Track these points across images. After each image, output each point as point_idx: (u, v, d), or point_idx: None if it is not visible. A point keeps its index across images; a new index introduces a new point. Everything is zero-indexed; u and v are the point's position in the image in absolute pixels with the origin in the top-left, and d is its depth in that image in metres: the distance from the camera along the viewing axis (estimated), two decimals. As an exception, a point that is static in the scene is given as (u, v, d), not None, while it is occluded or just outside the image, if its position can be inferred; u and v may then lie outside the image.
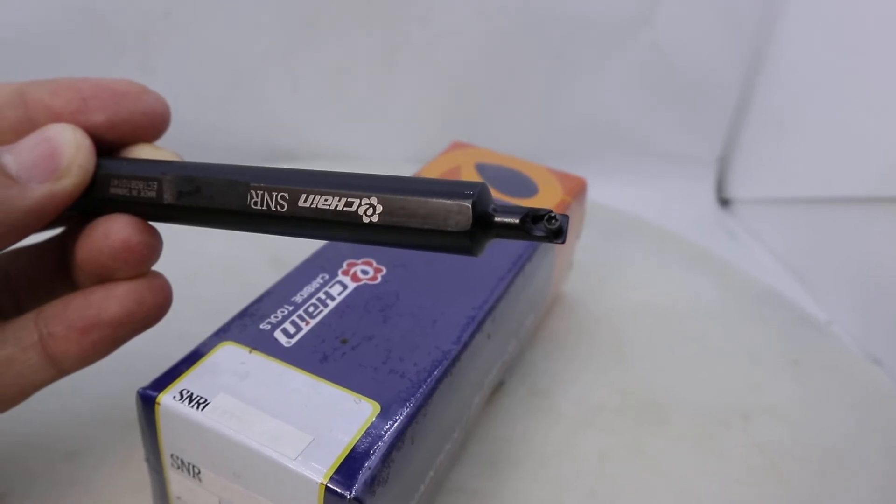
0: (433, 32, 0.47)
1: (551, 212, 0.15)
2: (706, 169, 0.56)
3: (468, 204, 0.15)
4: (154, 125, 0.19)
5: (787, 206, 0.49)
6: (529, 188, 0.30)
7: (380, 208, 0.15)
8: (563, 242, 0.15)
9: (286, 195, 0.16)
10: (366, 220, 0.15)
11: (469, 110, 0.51)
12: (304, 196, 0.16)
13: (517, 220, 0.15)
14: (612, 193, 0.46)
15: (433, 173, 0.30)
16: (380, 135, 0.51)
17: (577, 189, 0.31)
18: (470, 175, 0.31)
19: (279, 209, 0.16)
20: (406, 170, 0.32)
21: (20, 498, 0.23)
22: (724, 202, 0.56)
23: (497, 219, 0.15)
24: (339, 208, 0.16)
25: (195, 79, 0.45)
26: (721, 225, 0.53)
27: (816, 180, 0.46)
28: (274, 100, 0.48)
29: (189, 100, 0.45)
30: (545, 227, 0.15)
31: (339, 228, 0.16)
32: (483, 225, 0.15)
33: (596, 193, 0.37)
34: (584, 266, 0.37)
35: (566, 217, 0.15)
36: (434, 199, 0.15)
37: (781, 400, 0.31)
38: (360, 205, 0.15)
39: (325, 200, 0.16)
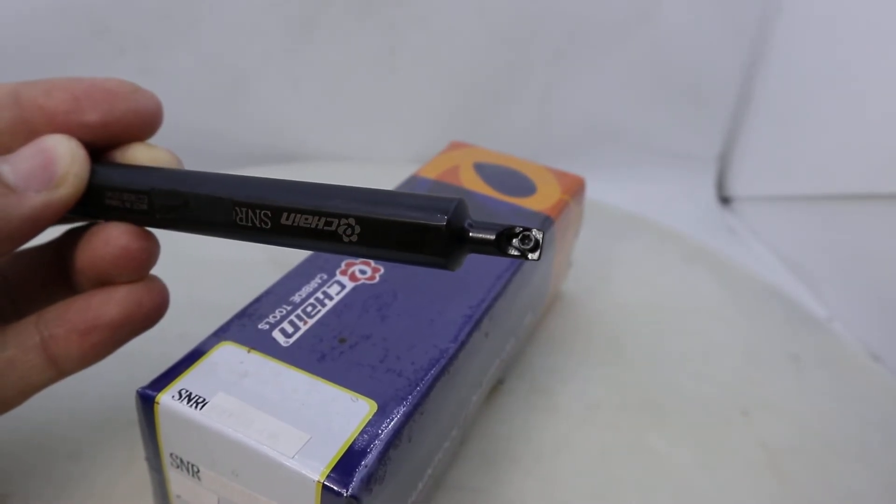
0: (432, 33, 0.48)
1: (526, 229, 0.15)
2: (706, 166, 0.56)
3: (442, 224, 0.15)
4: (146, 123, 0.19)
5: (788, 204, 0.49)
6: (527, 187, 0.30)
7: (358, 229, 0.16)
8: (538, 259, 0.15)
9: (268, 213, 0.16)
10: (346, 239, 0.16)
11: (468, 110, 0.51)
12: (285, 215, 0.16)
13: (492, 237, 0.15)
14: (612, 191, 0.46)
15: (431, 173, 0.30)
16: (379, 135, 0.51)
17: (575, 188, 0.31)
18: (468, 174, 0.31)
19: (263, 226, 0.17)
20: (406, 170, 0.32)
21: (23, 498, 0.23)
22: (724, 200, 0.56)
23: (472, 234, 0.15)
24: (320, 227, 0.16)
25: (195, 81, 0.46)
26: (721, 222, 0.53)
27: (816, 177, 0.46)
28: (274, 101, 0.48)
29: (189, 102, 0.45)
30: (519, 246, 0.15)
31: (323, 244, 0.16)
32: (458, 241, 0.15)
33: (596, 192, 0.37)
34: (583, 265, 0.37)
35: (542, 233, 0.15)
36: (410, 220, 0.15)
37: (782, 396, 0.31)
38: (338, 225, 0.16)
39: (306, 220, 0.16)
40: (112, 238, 0.18)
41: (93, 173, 0.18)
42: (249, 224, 0.17)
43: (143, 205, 0.18)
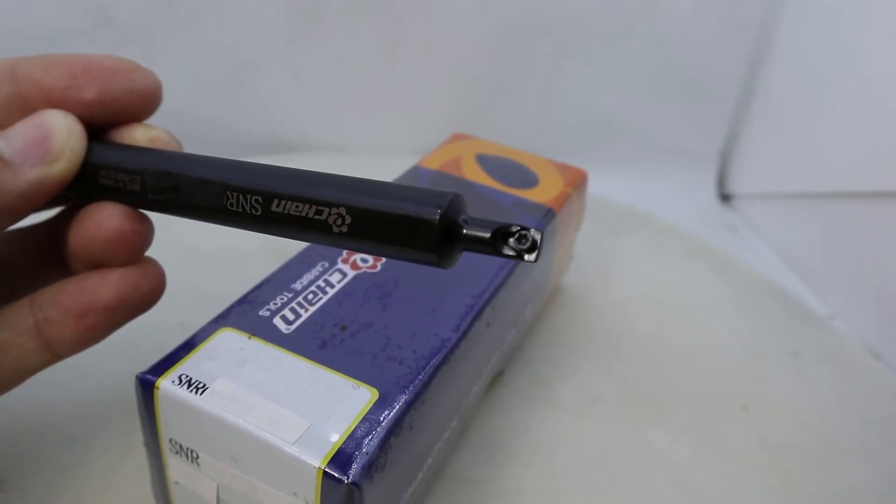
0: (435, 25, 0.47)
1: (523, 228, 0.14)
2: (707, 163, 0.56)
3: (435, 218, 0.14)
4: (145, 103, 0.19)
5: (788, 201, 0.49)
6: (529, 179, 0.30)
7: (348, 219, 0.15)
8: (535, 261, 0.14)
9: (259, 199, 0.16)
10: (335, 230, 0.15)
11: (471, 102, 0.51)
12: (276, 201, 0.16)
13: (487, 235, 0.15)
14: (614, 187, 0.46)
15: (433, 164, 0.30)
16: (382, 127, 0.51)
17: (577, 180, 0.31)
18: (470, 165, 0.30)
19: (254, 212, 0.16)
20: (408, 162, 0.32)
21: (20, 483, 0.23)
22: (725, 197, 0.56)
23: (466, 232, 0.15)
24: (310, 216, 0.15)
25: (197, 70, 0.45)
26: (722, 219, 0.53)
27: (817, 175, 0.46)
28: (276, 92, 0.48)
29: (191, 90, 0.45)
30: (515, 246, 0.14)
31: (313, 234, 0.16)
32: (451, 238, 0.15)
33: (597, 187, 0.37)
34: (584, 258, 0.37)
35: (540, 233, 0.14)
36: (402, 212, 0.15)
37: (782, 393, 0.31)
38: (329, 214, 0.15)
39: (297, 207, 0.16)
40: (104, 220, 0.17)
41: (89, 151, 0.18)
42: (240, 210, 0.16)
43: (136, 185, 0.17)
